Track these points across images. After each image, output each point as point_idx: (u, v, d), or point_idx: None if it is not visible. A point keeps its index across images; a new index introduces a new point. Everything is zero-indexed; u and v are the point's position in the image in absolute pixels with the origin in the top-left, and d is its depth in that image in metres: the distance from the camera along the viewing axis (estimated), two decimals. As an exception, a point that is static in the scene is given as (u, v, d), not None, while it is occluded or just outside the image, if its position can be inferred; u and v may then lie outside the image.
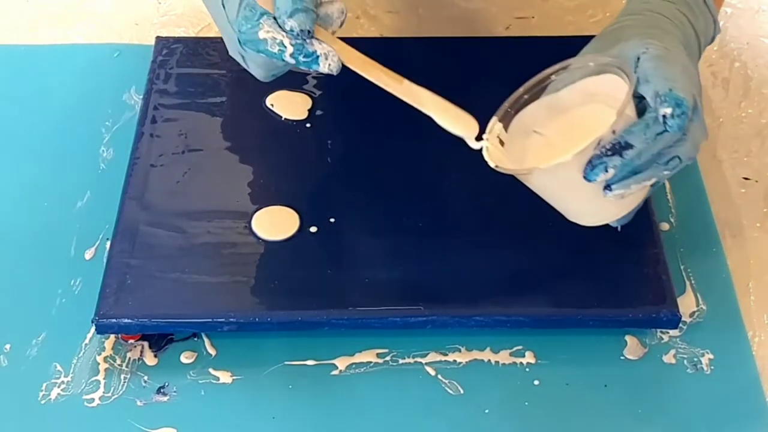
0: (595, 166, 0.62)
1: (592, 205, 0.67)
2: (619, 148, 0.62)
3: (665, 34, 0.68)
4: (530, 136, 0.68)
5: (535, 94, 0.69)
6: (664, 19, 0.69)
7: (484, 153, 0.66)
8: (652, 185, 0.66)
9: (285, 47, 0.62)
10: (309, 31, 0.62)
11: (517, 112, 0.69)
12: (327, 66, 0.63)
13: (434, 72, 0.86)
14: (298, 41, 0.62)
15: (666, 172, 0.65)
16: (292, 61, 0.63)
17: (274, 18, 0.62)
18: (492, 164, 0.65)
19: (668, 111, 0.62)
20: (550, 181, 0.65)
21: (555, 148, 0.66)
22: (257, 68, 0.66)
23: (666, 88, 0.63)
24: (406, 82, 0.66)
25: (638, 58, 0.65)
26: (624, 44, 0.67)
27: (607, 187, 0.64)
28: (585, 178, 0.63)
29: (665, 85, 0.63)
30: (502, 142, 0.68)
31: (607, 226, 0.71)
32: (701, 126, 0.65)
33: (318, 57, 0.63)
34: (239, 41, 0.64)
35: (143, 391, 0.70)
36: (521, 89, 0.69)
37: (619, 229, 0.71)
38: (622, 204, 0.67)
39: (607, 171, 0.62)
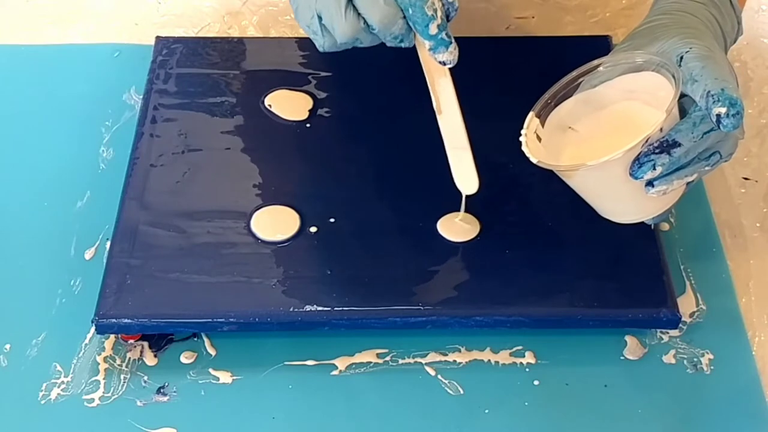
0: (643, 163, 0.63)
1: (632, 202, 0.67)
2: (666, 146, 0.63)
3: (701, 34, 0.68)
4: (566, 132, 0.69)
5: (571, 90, 0.69)
6: (695, 20, 0.69)
7: (524, 149, 0.67)
8: (690, 182, 0.66)
9: (436, 17, 0.63)
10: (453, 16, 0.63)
11: (554, 107, 0.69)
12: (452, 56, 0.65)
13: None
14: (445, 21, 0.63)
15: (707, 168, 0.65)
16: (434, 32, 0.63)
17: None
18: (534, 160, 0.66)
19: (723, 110, 0.62)
20: (593, 177, 0.66)
21: (591, 144, 0.67)
22: (335, 39, 0.65)
23: (718, 88, 0.63)
24: (456, 110, 0.70)
25: (681, 57, 0.65)
26: (663, 43, 0.67)
27: (650, 183, 0.64)
28: (632, 175, 0.63)
29: (717, 84, 0.63)
30: (539, 138, 0.68)
31: (608, 228, 0.71)
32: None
33: (451, 43, 0.64)
34: None
35: (143, 391, 0.70)
36: (559, 84, 0.69)
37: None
38: (661, 201, 0.67)
39: (654, 169, 0.63)
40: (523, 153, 0.66)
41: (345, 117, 0.83)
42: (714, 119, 0.62)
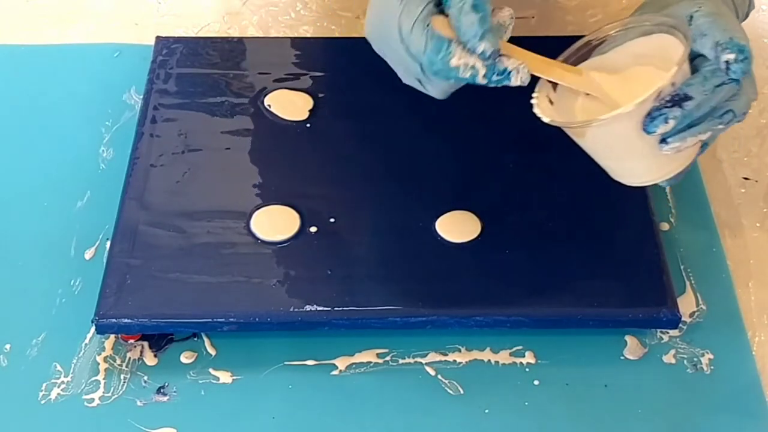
0: (655, 117, 0.63)
1: (645, 161, 0.67)
2: (678, 99, 0.63)
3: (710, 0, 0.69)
4: (578, 97, 0.68)
5: (584, 55, 0.69)
6: None
7: (536, 110, 0.66)
8: (703, 142, 0.66)
9: (477, 70, 0.63)
10: (498, 50, 0.63)
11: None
12: (519, 79, 0.64)
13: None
14: (489, 62, 0.63)
15: (720, 126, 0.65)
16: (484, 81, 0.63)
17: (461, 43, 0.62)
18: (546, 119, 0.65)
19: (731, 57, 0.63)
20: (605, 135, 0.65)
21: (604, 108, 0.66)
22: (439, 92, 0.66)
23: (726, 37, 0.64)
24: (585, 72, 0.68)
25: (691, 17, 0.66)
26: (673, 7, 0.68)
27: (663, 140, 0.64)
28: (644, 130, 0.63)
29: (725, 34, 0.64)
30: (550, 102, 0.68)
31: (608, 228, 0.71)
32: (753, 83, 0.66)
33: (510, 73, 0.63)
34: (424, 71, 0.64)
35: (143, 391, 0.70)
36: (570, 50, 0.69)
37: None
38: (675, 160, 0.67)
39: (666, 122, 0.63)
40: (535, 122, 0.66)
41: (345, 117, 0.83)
42: (723, 67, 0.63)
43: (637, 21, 0.68)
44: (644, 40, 0.68)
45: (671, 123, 0.62)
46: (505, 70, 0.63)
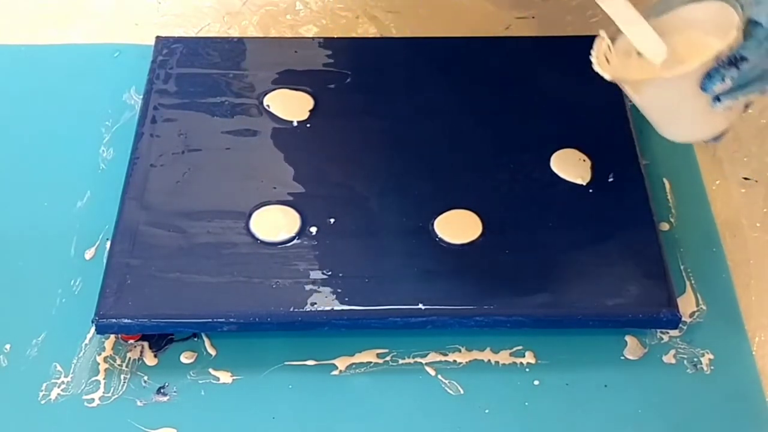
0: (713, 76, 0.66)
1: (696, 119, 0.69)
2: (735, 61, 0.66)
3: None
4: (630, 57, 0.70)
5: None
6: None
7: (596, 67, 0.69)
8: (747, 104, 0.70)
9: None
10: None
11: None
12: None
13: (434, 72, 0.86)
14: None
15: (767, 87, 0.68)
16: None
17: None
18: (608, 77, 0.68)
19: None
20: (664, 92, 0.68)
21: (655, 69, 0.69)
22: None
23: None
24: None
25: None
26: None
27: (716, 99, 0.67)
28: (702, 88, 0.66)
29: None
30: (607, 60, 0.70)
31: (608, 228, 0.71)
32: None
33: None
34: None
35: (143, 391, 0.70)
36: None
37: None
38: (722, 120, 0.69)
39: (723, 81, 0.66)
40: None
41: (345, 117, 0.83)
42: None
43: None
44: (694, 6, 0.70)
45: (728, 82, 0.66)
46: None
